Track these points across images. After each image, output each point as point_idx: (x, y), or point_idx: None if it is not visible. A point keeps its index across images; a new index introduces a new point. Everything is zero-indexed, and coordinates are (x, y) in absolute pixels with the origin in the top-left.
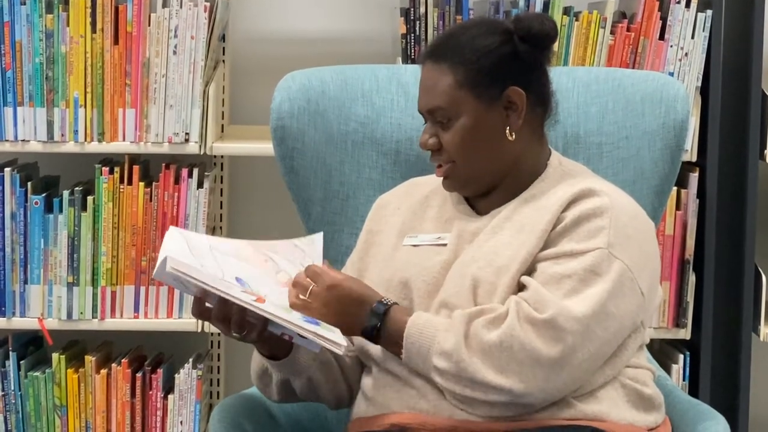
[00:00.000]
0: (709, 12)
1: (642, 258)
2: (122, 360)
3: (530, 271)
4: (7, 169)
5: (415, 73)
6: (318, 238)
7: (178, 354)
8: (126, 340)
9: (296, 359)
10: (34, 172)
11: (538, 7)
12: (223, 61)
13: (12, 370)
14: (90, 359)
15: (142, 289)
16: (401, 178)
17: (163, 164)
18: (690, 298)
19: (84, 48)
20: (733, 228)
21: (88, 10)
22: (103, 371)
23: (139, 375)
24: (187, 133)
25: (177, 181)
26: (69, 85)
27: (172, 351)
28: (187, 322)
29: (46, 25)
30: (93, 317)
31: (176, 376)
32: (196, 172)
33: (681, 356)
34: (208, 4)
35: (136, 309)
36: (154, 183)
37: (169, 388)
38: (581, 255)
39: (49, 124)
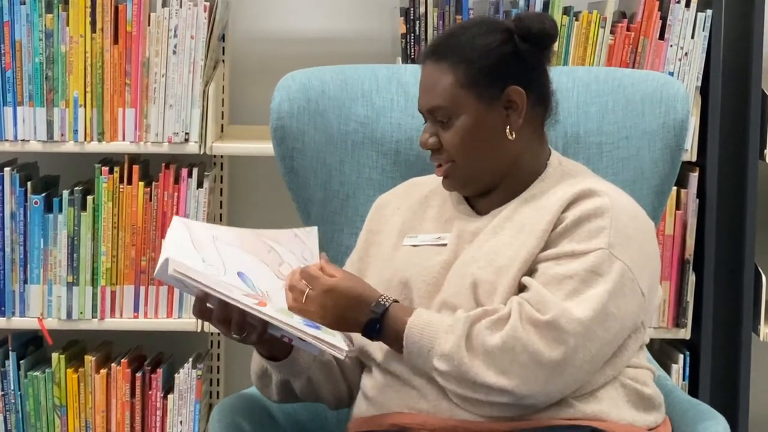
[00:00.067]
0: (709, 12)
1: (642, 258)
2: (122, 360)
3: (531, 271)
4: (7, 169)
5: (415, 73)
6: (313, 231)
7: (178, 354)
8: (126, 340)
9: (296, 360)
10: (33, 172)
11: (538, 6)
12: (223, 60)
13: (12, 370)
14: (90, 359)
15: (142, 288)
16: (401, 177)
17: (163, 164)
18: (690, 297)
19: (84, 48)
20: (733, 228)
21: (88, 10)
22: (103, 371)
23: (138, 375)
24: (186, 133)
25: (177, 180)
26: (69, 84)
27: (171, 351)
28: (186, 321)
29: (45, 25)
30: (93, 317)
31: (176, 375)
32: (195, 171)
33: (681, 356)
34: (207, 3)
35: (136, 309)
36: (153, 183)
37: (168, 387)
38: (582, 256)
39: (49, 124)
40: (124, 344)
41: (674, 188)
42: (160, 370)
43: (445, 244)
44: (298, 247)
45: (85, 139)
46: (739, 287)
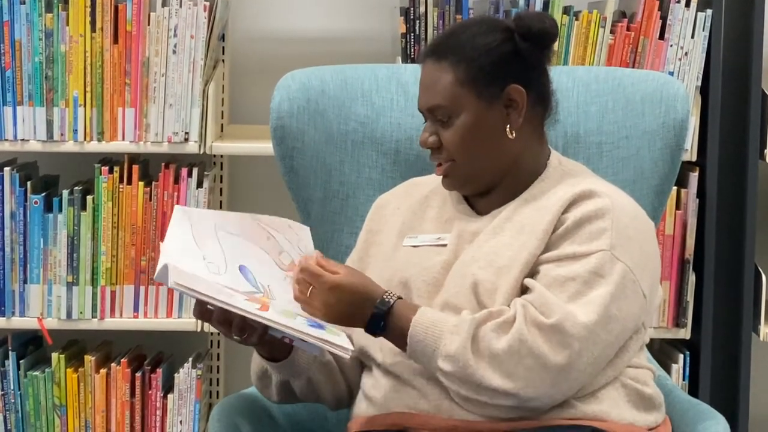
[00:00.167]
0: (709, 11)
1: (643, 259)
2: (122, 359)
3: (532, 272)
4: (7, 169)
5: (415, 73)
6: (306, 230)
7: (178, 353)
8: (125, 340)
9: (296, 361)
10: (33, 172)
11: (538, 6)
12: (223, 60)
13: (11, 370)
14: (89, 359)
15: (142, 288)
16: (401, 177)
17: (163, 164)
18: (690, 297)
19: (83, 47)
20: (733, 228)
21: (88, 9)
22: (103, 371)
23: (138, 374)
24: (186, 133)
25: (176, 180)
26: (68, 84)
27: (171, 350)
28: (186, 321)
29: (45, 25)
30: (92, 317)
31: (176, 375)
32: (195, 171)
33: (681, 356)
34: (207, 3)
35: (136, 308)
36: (153, 182)
37: (168, 387)
38: (584, 257)
39: (49, 124)
40: (124, 344)
41: (674, 188)
42: (159, 370)
43: (445, 245)
44: (293, 237)
45: (85, 139)
46: (739, 287)
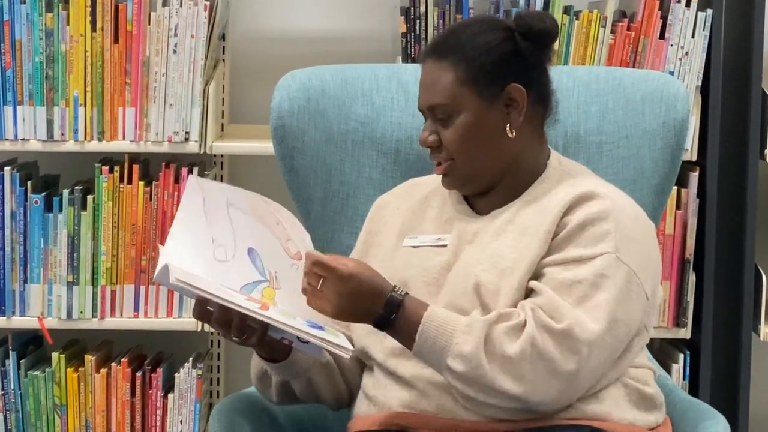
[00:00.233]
0: (710, 11)
1: (645, 261)
2: (122, 359)
3: (537, 275)
4: (7, 168)
5: (415, 72)
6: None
7: (178, 353)
8: (126, 340)
9: (295, 362)
10: (33, 171)
11: (539, 6)
12: (223, 60)
13: (12, 370)
14: (90, 358)
15: (142, 288)
16: (401, 177)
17: (163, 163)
18: (690, 297)
19: (84, 47)
20: (733, 228)
21: (88, 9)
22: (103, 370)
23: (138, 374)
24: (187, 132)
25: (177, 180)
26: (69, 84)
27: (171, 350)
28: (186, 321)
29: (46, 24)
30: (93, 316)
31: (176, 375)
32: (196, 171)
33: (681, 356)
34: (208, 3)
35: (136, 308)
36: (153, 182)
37: (168, 387)
38: (590, 260)
39: (49, 123)
40: (124, 344)
41: (674, 188)
42: (160, 370)
43: (445, 245)
44: (298, 231)
45: (85, 139)
46: (739, 287)
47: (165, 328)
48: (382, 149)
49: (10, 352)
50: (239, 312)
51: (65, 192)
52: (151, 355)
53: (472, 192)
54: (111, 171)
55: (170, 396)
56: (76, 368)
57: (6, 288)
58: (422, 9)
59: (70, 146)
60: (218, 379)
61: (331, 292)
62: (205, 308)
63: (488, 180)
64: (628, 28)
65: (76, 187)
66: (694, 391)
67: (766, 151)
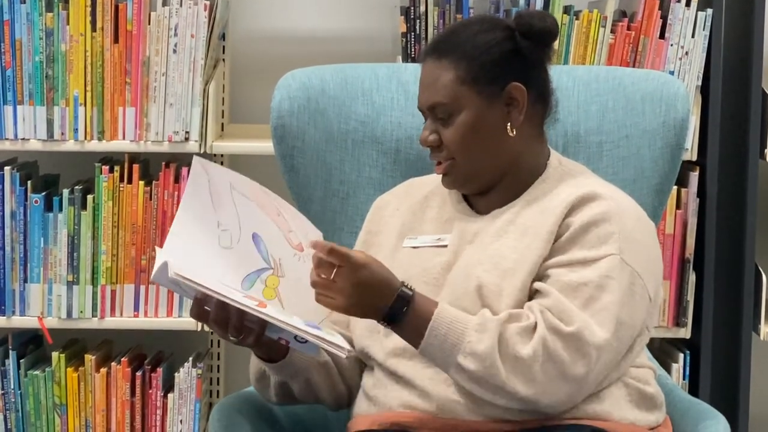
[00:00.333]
0: (710, 11)
1: (648, 262)
2: (122, 359)
3: (541, 276)
4: (7, 168)
5: (415, 72)
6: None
7: (178, 353)
8: (126, 339)
9: (293, 362)
10: (33, 171)
11: (539, 5)
12: (223, 59)
13: (12, 369)
14: (90, 358)
15: (142, 287)
16: (401, 177)
17: (163, 163)
18: (690, 297)
19: (84, 46)
20: (733, 227)
21: (88, 9)
22: (103, 370)
23: (138, 374)
24: (187, 132)
25: (177, 179)
26: (69, 83)
27: (171, 350)
28: (186, 320)
29: (46, 24)
30: (93, 316)
31: (176, 374)
32: None
33: (681, 355)
34: (208, 2)
35: (136, 308)
36: (154, 182)
37: (168, 386)
38: (594, 262)
39: (49, 123)
40: (124, 343)
41: (674, 187)
42: (160, 369)
43: (445, 245)
44: (300, 224)
45: (86, 138)
46: (739, 287)
47: (165, 327)
48: (382, 149)
49: (10, 351)
50: (237, 310)
51: (65, 192)
52: (151, 355)
53: (472, 191)
54: (111, 171)
55: (170, 396)
56: (76, 368)
57: (6, 287)
58: (422, 9)
59: (70, 146)
60: (218, 378)
61: (346, 281)
62: (203, 308)
63: (489, 179)
64: (628, 28)
65: (76, 187)
66: (694, 390)
67: (766, 150)
